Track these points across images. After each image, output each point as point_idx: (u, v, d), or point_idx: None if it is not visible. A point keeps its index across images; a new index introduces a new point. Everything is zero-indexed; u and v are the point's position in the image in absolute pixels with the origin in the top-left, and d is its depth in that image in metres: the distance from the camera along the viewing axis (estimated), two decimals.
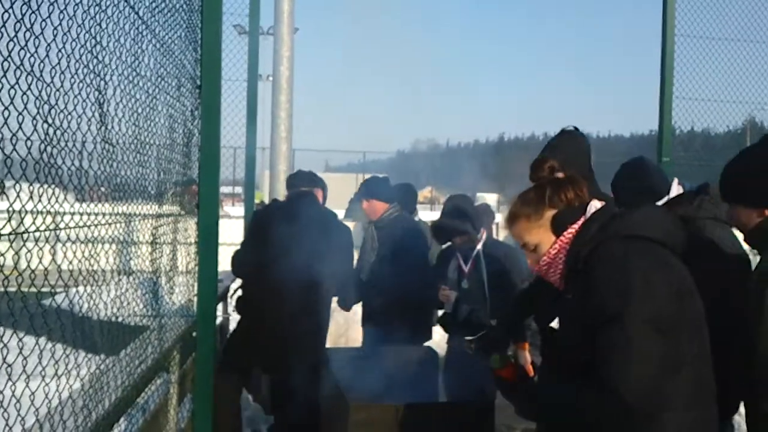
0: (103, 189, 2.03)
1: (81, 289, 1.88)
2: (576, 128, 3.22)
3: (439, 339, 4.89)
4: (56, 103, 1.54)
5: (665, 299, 1.80)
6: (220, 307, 5.42)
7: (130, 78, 2.14)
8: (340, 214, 5.12)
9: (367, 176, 5.24)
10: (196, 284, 3.21)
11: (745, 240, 2.47)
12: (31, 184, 1.43)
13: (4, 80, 1.29)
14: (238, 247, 4.39)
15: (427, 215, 11.69)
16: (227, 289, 5.39)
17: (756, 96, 7.92)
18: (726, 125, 8.14)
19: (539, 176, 2.75)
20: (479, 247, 4.55)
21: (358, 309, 5.03)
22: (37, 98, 1.44)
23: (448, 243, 4.71)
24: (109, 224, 1.97)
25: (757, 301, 2.17)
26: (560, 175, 2.74)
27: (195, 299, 3.23)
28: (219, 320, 5.41)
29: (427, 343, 4.56)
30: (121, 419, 2.40)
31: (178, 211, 3.42)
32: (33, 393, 1.50)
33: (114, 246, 2.21)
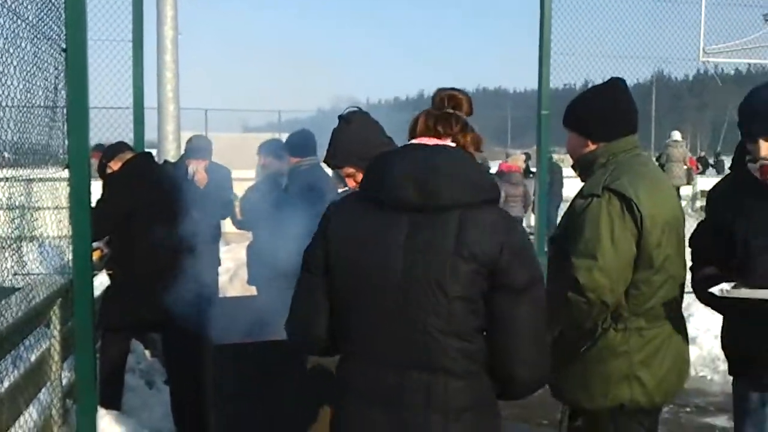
0: None
1: None
2: (359, 108, 2.70)
3: None
4: None
5: None
6: None
7: None
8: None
9: (285, 135, 5.28)
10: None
11: (572, 166, 2.68)
12: None
13: None
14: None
15: None
16: None
17: (662, 51, 8.33)
18: (636, 78, 8.49)
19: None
20: None
21: None
22: None
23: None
24: None
25: (579, 214, 2.41)
26: None
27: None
28: None
29: None
30: None
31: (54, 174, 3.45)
32: None
33: None
